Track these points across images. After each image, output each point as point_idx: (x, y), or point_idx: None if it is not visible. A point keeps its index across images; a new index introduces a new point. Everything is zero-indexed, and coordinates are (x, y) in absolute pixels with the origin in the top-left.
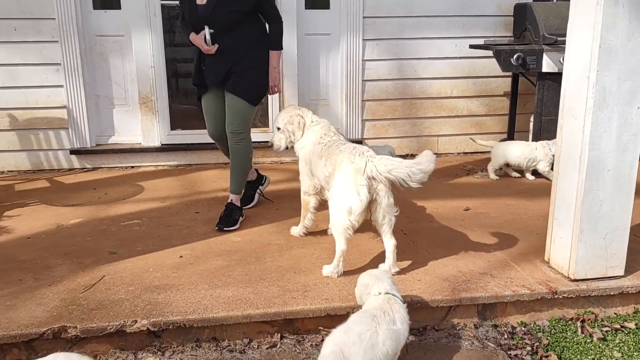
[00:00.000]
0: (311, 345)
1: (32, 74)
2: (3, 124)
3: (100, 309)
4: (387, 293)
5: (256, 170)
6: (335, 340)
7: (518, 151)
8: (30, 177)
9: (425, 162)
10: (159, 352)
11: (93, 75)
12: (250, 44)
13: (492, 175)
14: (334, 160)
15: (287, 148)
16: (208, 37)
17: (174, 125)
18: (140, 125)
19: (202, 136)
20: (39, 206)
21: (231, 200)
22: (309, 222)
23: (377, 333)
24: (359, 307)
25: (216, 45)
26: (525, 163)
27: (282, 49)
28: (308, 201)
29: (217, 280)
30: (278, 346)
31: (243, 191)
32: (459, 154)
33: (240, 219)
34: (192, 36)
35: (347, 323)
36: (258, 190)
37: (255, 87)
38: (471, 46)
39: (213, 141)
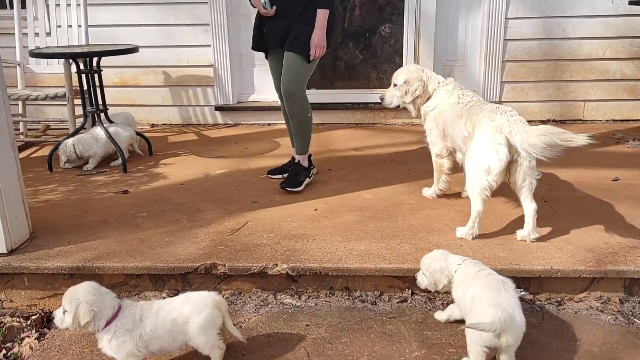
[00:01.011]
0: (442, 303)
1: (184, 34)
2: (158, 80)
3: (245, 251)
4: (464, 261)
5: (309, 156)
6: (492, 303)
7: None
8: (181, 130)
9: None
10: (295, 295)
11: (237, 35)
12: (309, 2)
13: None
14: (475, 119)
15: (398, 107)
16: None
17: (308, 85)
18: None
19: (335, 96)
20: (189, 156)
21: (298, 160)
22: (443, 184)
23: (506, 282)
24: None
25: (274, 8)
26: None
27: (328, 8)
28: (441, 163)
29: (350, 234)
30: (409, 301)
31: (308, 154)
32: (607, 121)
33: (307, 180)
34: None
35: (479, 286)
36: (308, 178)
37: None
38: (631, 2)
39: (343, 101)
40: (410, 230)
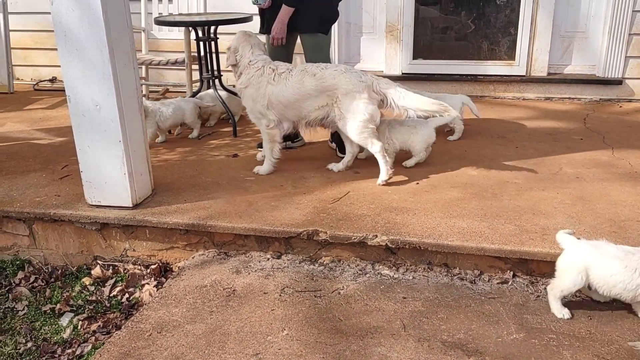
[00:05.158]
0: (545, 288)
1: None
2: None
3: (346, 220)
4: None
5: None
6: None
7: None
8: None
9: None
10: (393, 267)
11: (347, 3)
12: None
13: None
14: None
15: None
16: None
17: (416, 55)
18: (384, 53)
19: (442, 67)
20: None
21: None
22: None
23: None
24: None
25: (268, 1)
26: None
27: (293, 7)
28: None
29: (452, 210)
30: (509, 283)
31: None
32: None
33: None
34: None
35: None
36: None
37: (317, 15)
38: None
39: (451, 72)
40: (515, 211)
